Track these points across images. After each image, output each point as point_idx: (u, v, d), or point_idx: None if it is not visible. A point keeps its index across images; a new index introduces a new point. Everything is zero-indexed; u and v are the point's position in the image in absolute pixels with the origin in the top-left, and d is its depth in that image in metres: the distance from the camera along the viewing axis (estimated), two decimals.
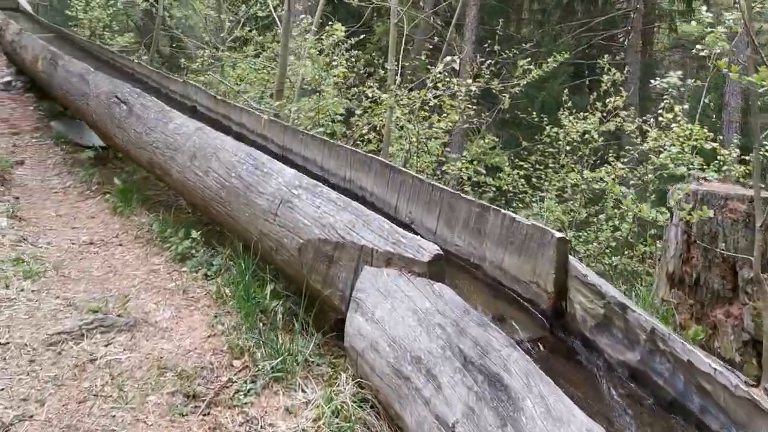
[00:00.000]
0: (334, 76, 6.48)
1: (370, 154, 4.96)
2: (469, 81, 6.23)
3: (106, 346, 4.01)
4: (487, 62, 6.77)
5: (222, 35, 11.21)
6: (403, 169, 4.63)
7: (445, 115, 6.33)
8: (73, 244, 6.54)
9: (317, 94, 6.91)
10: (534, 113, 8.50)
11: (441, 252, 3.44)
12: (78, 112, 8.95)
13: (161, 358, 4.01)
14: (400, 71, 7.00)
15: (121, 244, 6.57)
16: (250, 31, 11.51)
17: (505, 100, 7.02)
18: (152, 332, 4.32)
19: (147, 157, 6.60)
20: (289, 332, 4.46)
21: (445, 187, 4.30)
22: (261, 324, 4.47)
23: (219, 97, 7.02)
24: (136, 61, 9.56)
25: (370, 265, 3.72)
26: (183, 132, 5.92)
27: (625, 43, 19.12)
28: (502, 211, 3.87)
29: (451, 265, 4.16)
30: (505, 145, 7.67)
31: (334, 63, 6.52)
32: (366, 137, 7.56)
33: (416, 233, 4.66)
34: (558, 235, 3.53)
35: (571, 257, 3.59)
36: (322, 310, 4.44)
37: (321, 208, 4.13)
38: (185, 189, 5.86)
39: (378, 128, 7.42)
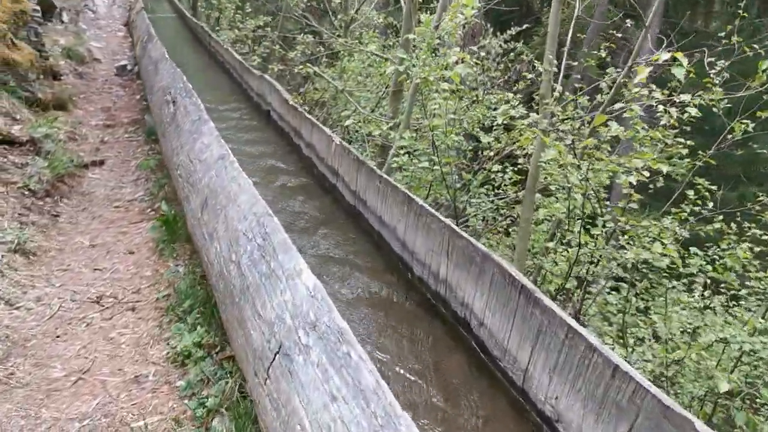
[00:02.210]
0: (449, 79, 3.97)
1: (485, 249, 2.48)
2: (685, 96, 3.48)
3: None
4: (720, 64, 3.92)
5: (341, 17, 9.07)
6: (553, 306, 2.11)
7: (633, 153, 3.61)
8: (73, 302, 4.66)
9: (427, 107, 4.51)
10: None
11: None
12: (149, 105, 7.21)
13: None
14: (562, 74, 4.38)
15: (133, 309, 4.61)
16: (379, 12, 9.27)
17: (736, 126, 4.12)
18: None
19: (174, 186, 4.56)
20: None
21: (647, 383, 1.73)
22: None
23: (292, 103, 4.82)
24: (226, 46, 7.63)
25: None
26: (205, 159, 3.77)
27: None
28: None
29: None
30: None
31: (455, 57, 4.05)
32: (501, 175, 5.02)
33: None
34: None
35: None
36: None
37: (337, 407, 1.74)
38: (196, 250, 3.75)
39: (524, 156, 4.89)
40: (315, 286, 2.15)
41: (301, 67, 7.80)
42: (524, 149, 5.27)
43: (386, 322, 2.82)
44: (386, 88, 8.09)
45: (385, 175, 3.28)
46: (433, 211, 2.81)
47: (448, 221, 2.69)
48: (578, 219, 3.78)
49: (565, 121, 3.91)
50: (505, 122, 4.22)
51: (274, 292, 2.31)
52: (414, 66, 4.20)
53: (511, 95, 4.23)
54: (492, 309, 2.43)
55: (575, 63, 5.19)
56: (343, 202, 3.97)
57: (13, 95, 8.09)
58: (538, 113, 3.96)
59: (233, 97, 6.55)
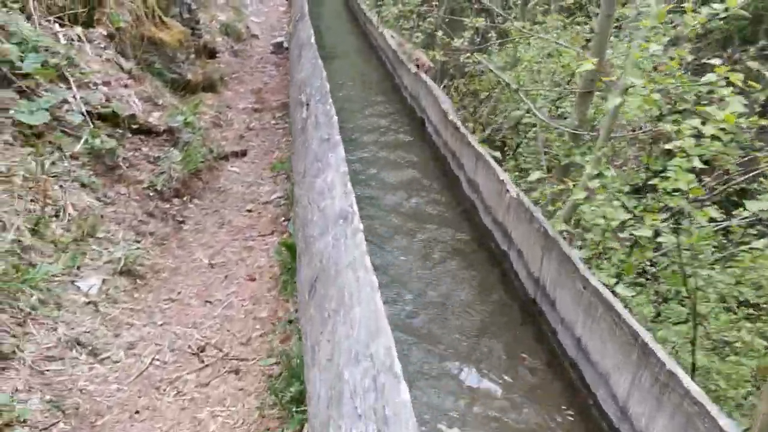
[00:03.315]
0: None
1: None
2: None
3: None
4: None
5: None
6: None
7: None
8: (170, 351, 3.83)
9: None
10: None
11: None
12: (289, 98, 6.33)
13: None
14: None
15: (236, 372, 3.71)
16: None
17: None
18: None
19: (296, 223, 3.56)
20: None
21: None
22: None
23: (450, 118, 3.60)
24: (381, 29, 6.53)
25: None
26: (324, 209, 2.67)
27: None
28: None
29: None
30: None
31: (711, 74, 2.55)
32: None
33: None
34: None
35: None
36: None
37: None
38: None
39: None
40: None
41: (467, 56, 6.53)
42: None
43: None
44: (568, 83, 6.63)
45: (594, 280, 1.98)
46: (697, 390, 1.49)
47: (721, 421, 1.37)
48: None
49: None
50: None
51: None
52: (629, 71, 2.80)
53: None
54: None
55: None
56: (516, 284, 2.70)
57: (158, 77, 7.54)
58: None
59: (383, 96, 5.43)
